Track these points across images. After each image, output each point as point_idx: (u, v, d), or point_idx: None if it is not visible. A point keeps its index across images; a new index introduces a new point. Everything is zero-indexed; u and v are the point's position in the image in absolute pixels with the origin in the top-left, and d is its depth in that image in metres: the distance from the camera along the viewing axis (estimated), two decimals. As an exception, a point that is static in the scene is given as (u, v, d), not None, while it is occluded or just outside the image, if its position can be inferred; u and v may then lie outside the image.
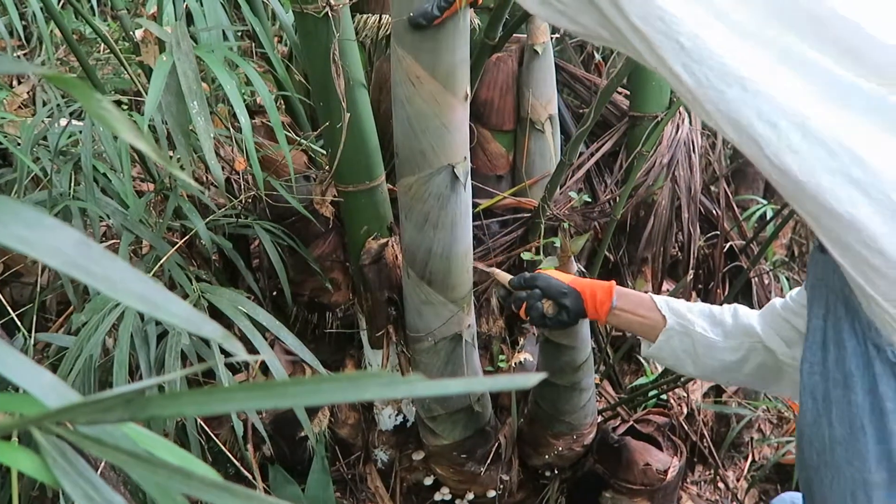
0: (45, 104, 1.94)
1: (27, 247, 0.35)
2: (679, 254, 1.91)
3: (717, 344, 1.03)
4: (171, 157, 1.23)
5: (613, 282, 1.15)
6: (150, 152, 0.37)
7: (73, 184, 1.30)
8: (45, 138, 1.37)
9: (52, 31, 2.27)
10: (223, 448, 1.34)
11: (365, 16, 1.39)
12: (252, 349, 1.08)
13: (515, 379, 0.33)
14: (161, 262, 1.09)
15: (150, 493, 0.36)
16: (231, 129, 1.39)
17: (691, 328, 1.05)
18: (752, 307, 2.05)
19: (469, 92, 1.12)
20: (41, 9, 1.89)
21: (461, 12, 1.05)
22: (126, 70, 1.46)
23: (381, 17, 1.36)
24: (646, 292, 1.87)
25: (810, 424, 0.77)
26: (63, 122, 1.33)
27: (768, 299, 2.05)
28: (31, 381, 0.35)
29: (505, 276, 1.25)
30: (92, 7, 2.15)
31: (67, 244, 0.36)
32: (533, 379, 0.33)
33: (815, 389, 0.75)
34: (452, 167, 1.13)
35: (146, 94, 1.50)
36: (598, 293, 1.12)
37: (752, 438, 1.88)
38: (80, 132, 1.31)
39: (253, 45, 1.58)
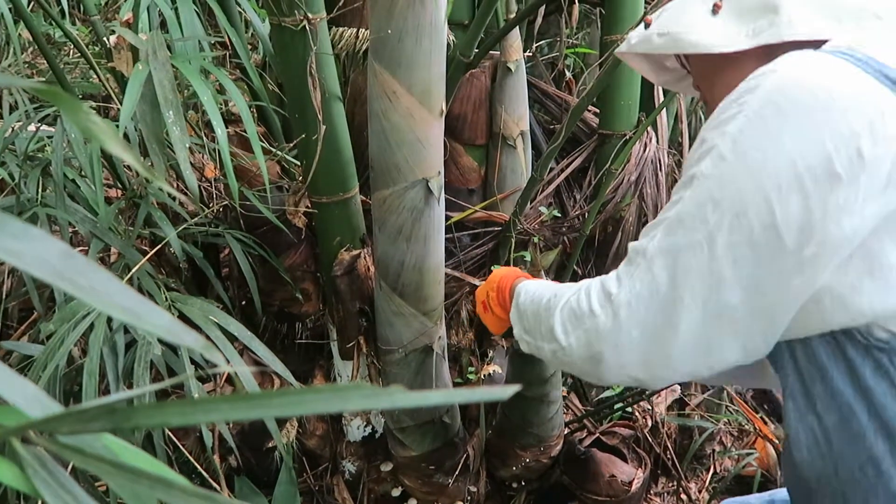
0: (11, 109, 1.90)
1: (14, 258, 0.36)
2: (645, 269, 1.94)
3: None
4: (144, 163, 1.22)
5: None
6: (136, 165, 0.37)
7: (40, 189, 1.28)
8: (12, 143, 1.35)
9: (18, 33, 2.24)
10: (190, 458, 1.32)
11: (341, 29, 1.40)
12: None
13: (492, 391, 0.34)
14: (132, 272, 1.08)
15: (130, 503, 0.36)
16: (202, 136, 1.39)
17: None
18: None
19: (444, 108, 1.14)
20: (10, 10, 1.87)
21: (439, 27, 1.07)
22: (97, 75, 1.45)
23: (358, 30, 1.38)
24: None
25: (800, 419, 0.78)
26: (31, 127, 1.31)
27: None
28: (16, 392, 0.36)
29: None
30: (62, 10, 2.13)
31: (53, 255, 0.37)
32: (508, 391, 0.34)
33: (794, 390, 0.77)
34: (427, 181, 1.14)
35: (116, 98, 1.49)
36: None
37: (713, 451, 1.92)
38: (48, 137, 1.29)
39: (227, 53, 1.58)
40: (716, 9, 0.78)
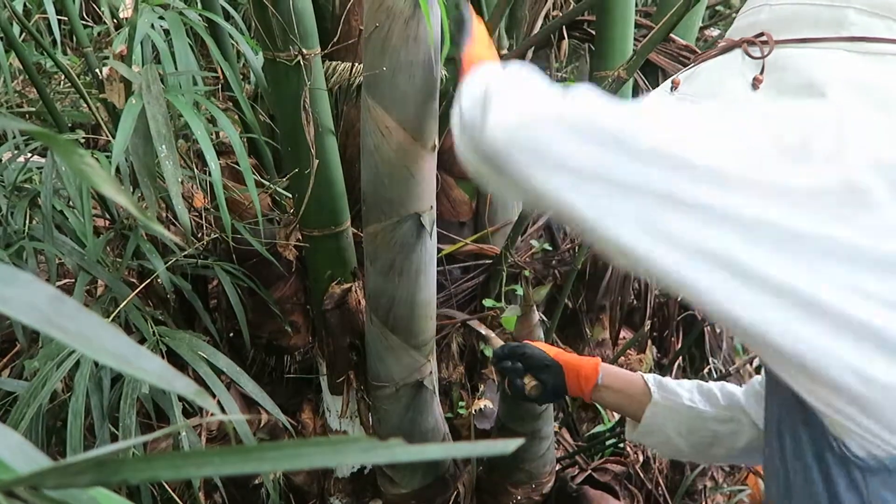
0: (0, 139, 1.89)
1: (2, 304, 0.35)
2: (636, 302, 1.94)
3: (706, 414, 0.99)
4: (134, 198, 1.21)
5: (598, 358, 1.11)
6: (132, 209, 0.37)
7: (28, 220, 1.27)
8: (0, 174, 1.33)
9: (9, 62, 2.23)
10: (174, 495, 1.29)
11: (335, 63, 1.41)
12: (208, 391, 1.06)
13: (493, 445, 0.33)
14: (120, 307, 1.06)
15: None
16: (191, 166, 1.38)
17: (678, 401, 1.01)
18: (704, 356, 2.07)
19: (437, 143, 1.14)
20: (1, 39, 1.87)
21: (433, 64, 1.08)
22: (88, 105, 1.45)
23: (352, 64, 1.38)
24: (603, 340, 1.91)
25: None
26: (21, 158, 1.30)
27: (720, 348, 2.11)
28: None
29: (497, 342, 1.24)
30: (54, 40, 2.13)
31: (42, 300, 0.36)
32: (511, 445, 0.33)
33: (777, 475, 0.75)
34: (419, 216, 1.14)
35: (105, 128, 1.49)
36: (583, 369, 1.07)
37: (705, 486, 1.90)
38: (38, 168, 1.28)
39: (220, 83, 1.58)
40: (756, 83, 0.71)
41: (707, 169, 0.61)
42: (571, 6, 1.92)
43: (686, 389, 1.02)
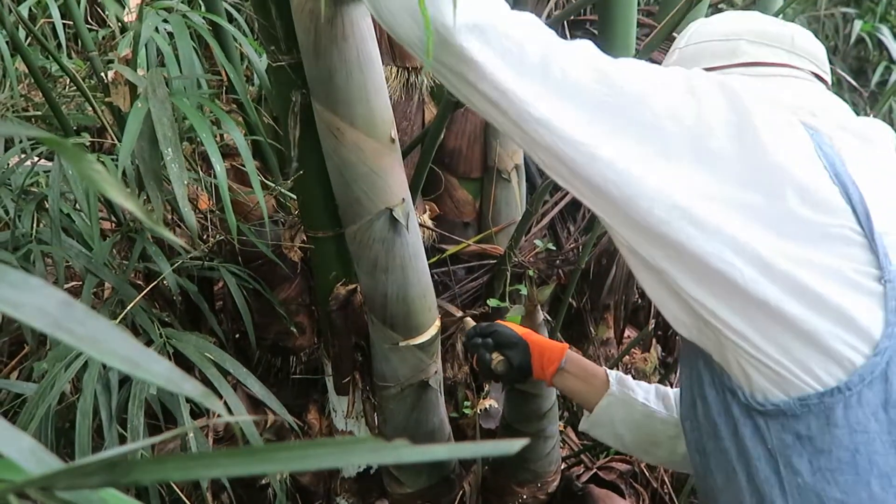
0: (7, 143, 1.90)
1: (13, 309, 0.35)
2: (640, 301, 1.94)
3: (656, 414, 1.04)
4: (140, 201, 1.22)
5: (567, 345, 1.14)
6: (139, 214, 0.37)
7: (35, 223, 1.27)
8: (7, 178, 1.34)
9: (15, 66, 2.24)
10: (181, 495, 1.30)
11: (338, 65, 1.41)
12: (215, 392, 1.06)
13: (499, 445, 0.34)
14: (127, 309, 1.07)
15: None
16: (196, 168, 1.39)
17: (633, 397, 1.06)
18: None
19: (395, 135, 1.13)
20: (7, 43, 1.88)
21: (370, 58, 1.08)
22: (93, 108, 1.46)
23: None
24: (608, 339, 1.91)
25: (701, 477, 0.84)
26: (28, 163, 1.31)
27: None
28: (11, 445, 0.35)
29: (470, 323, 1.27)
30: (59, 44, 2.14)
31: (52, 305, 0.36)
32: (515, 445, 0.34)
33: (698, 444, 0.82)
34: (390, 211, 1.14)
35: (111, 130, 1.50)
36: (548, 352, 1.12)
37: (711, 485, 1.90)
38: (45, 172, 1.29)
39: (224, 86, 1.58)
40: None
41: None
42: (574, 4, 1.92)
43: (644, 389, 1.08)
